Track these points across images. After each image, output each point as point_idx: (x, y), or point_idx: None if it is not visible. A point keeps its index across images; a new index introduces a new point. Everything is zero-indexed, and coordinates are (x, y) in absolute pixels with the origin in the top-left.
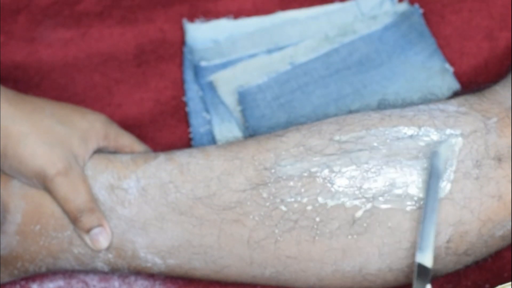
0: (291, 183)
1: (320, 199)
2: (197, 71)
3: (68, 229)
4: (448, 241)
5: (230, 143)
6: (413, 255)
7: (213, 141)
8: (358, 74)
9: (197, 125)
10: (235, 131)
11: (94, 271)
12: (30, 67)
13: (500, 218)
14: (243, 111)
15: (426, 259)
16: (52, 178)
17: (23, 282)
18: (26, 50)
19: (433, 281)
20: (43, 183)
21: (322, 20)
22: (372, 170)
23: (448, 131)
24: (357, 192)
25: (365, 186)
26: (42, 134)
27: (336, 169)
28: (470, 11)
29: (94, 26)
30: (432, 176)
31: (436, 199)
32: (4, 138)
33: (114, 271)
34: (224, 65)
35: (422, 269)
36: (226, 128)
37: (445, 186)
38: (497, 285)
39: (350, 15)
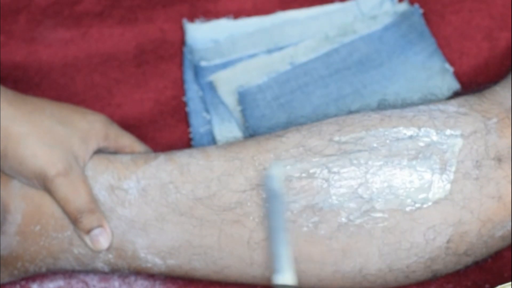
0: (291, 184)
1: (319, 199)
2: (197, 71)
3: (68, 229)
4: (448, 242)
5: (230, 144)
6: (414, 255)
7: (213, 141)
8: (358, 74)
9: (197, 125)
10: (235, 131)
11: (94, 271)
12: (30, 67)
13: (500, 219)
14: (243, 111)
15: (287, 279)
16: (52, 178)
17: (23, 282)
18: (26, 50)
19: (433, 281)
20: (43, 184)
21: (322, 20)
22: (372, 170)
23: (448, 131)
24: (356, 193)
25: (364, 186)
26: (42, 134)
27: (335, 169)
28: (470, 11)
29: (94, 26)
30: (270, 199)
31: (282, 219)
32: (4, 139)
33: (114, 271)
34: (224, 65)
35: None
36: (226, 128)
37: (445, 186)
38: (497, 285)
39: (350, 15)
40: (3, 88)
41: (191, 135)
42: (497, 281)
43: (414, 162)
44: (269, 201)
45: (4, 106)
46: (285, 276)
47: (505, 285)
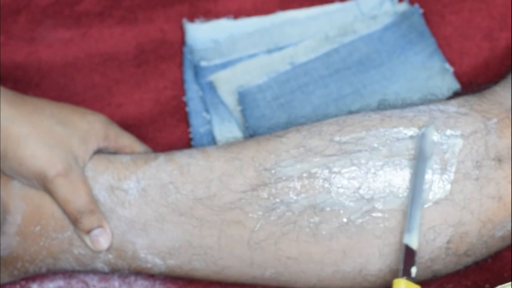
0: (291, 184)
1: (319, 200)
2: (197, 71)
3: (68, 230)
4: (448, 242)
5: (230, 144)
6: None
7: (213, 141)
8: (358, 74)
9: (197, 125)
10: (235, 131)
11: (94, 272)
12: (30, 67)
13: (500, 219)
14: (243, 111)
15: (413, 240)
16: (52, 179)
17: (23, 282)
18: (26, 50)
19: (433, 281)
20: (43, 184)
21: (322, 20)
22: (372, 171)
23: (448, 132)
24: (356, 193)
25: (365, 187)
26: (42, 135)
27: (336, 170)
28: (470, 11)
29: (94, 26)
30: (419, 158)
31: (423, 181)
32: (4, 140)
33: (114, 272)
34: (224, 65)
35: (408, 251)
36: (226, 128)
37: (445, 186)
38: (497, 285)
39: (350, 15)
40: (3, 89)
41: (191, 135)
42: (497, 281)
43: (414, 162)
44: (418, 160)
45: (4, 106)
46: (412, 237)
47: (505, 285)
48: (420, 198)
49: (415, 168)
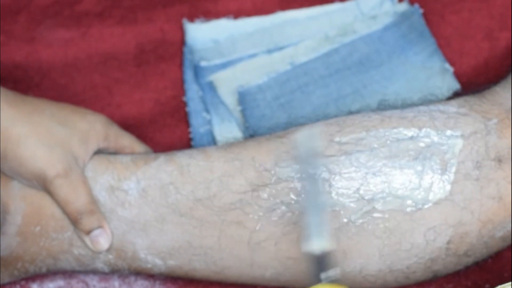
0: (292, 185)
1: (320, 200)
2: (197, 71)
3: (68, 230)
4: (448, 242)
5: (230, 144)
6: (414, 256)
7: (213, 141)
8: (358, 74)
9: (197, 125)
10: (235, 131)
11: (94, 272)
12: (30, 67)
13: (500, 219)
14: (243, 111)
15: (314, 245)
16: (52, 180)
17: (23, 282)
18: (26, 50)
19: (433, 281)
20: (43, 185)
21: (322, 20)
22: (372, 171)
23: (449, 132)
24: (357, 194)
25: (365, 187)
26: (42, 135)
27: (336, 170)
28: (470, 11)
29: (94, 26)
30: (303, 164)
31: (316, 185)
32: (4, 140)
33: (114, 272)
34: (224, 65)
35: (312, 258)
36: (226, 128)
37: (445, 186)
38: (497, 285)
39: (350, 15)
40: (3, 89)
41: (191, 135)
42: (497, 281)
43: (414, 163)
44: (303, 166)
45: (4, 107)
46: (312, 244)
47: (505, 285)
48: (315, 202)
49: (303, 174)
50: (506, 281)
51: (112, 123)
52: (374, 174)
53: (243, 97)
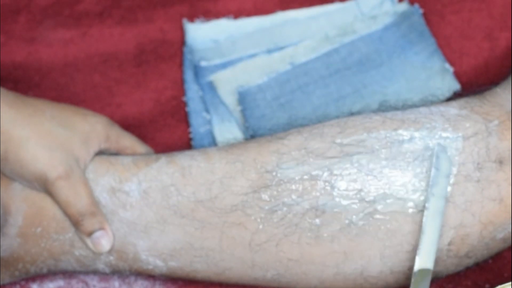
0: (293, 186)
1: (321, 202)
2: (197, 71)
3: (69, 231)
4: (449, 244)
5: (231, 146)
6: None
7: (213, 141)
8: (358, 74)
9: (197, 125)
10: (235, 131)
11: (95, 272)
12: (30, 67)
13: (501, 221)
14: (243, 111)
15: (427, 262)
16: (53, 182)
17: (23, 282)
18: (26, 50)
19: (433, 281)
20: (44, 187)
21: (322, 20)
22: (373, 173)
23: (449, 134)
24: (358, 195)
25: (366, 189)
26: (42, 137)
27: (337, 172)
28: (470, 11)
29: (94, 26)
30: (437, 174)
31: (442, 199)
32: (5, 142)
33: (115, 273)
34: (224, 65)
35: (423, 272)
36: (226, 128)
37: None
38: (497, 285)
39: (350, 15)
40: (3, 91)
41: (191, 135)
42: (497, 281)
43: (415, 164)
44: (436, 176)
45: (5, 109)
46: (425, 259)
47: (505, 285)
48: (437, 217)
49: (431, 185)
50: (506, 281)
51: (113, 124)
52: (375, 175)
53: (243, 97)
